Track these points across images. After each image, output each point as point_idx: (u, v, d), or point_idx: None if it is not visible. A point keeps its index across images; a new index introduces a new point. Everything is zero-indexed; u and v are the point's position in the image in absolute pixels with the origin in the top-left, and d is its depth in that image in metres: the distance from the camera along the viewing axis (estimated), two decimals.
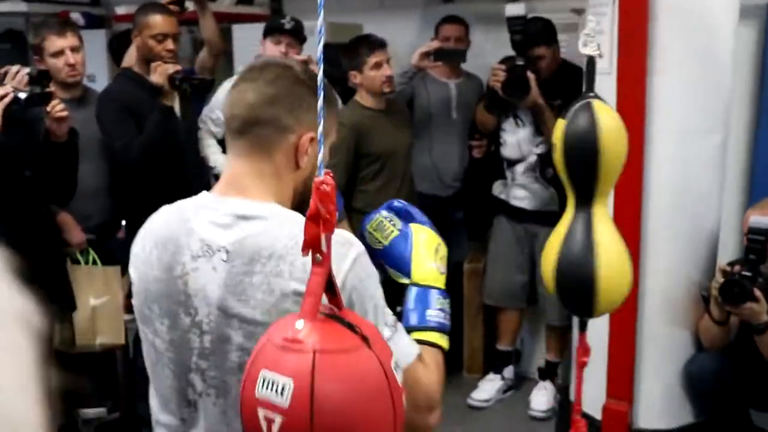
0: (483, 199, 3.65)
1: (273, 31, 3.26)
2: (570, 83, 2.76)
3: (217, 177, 3.33)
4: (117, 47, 3.72)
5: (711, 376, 2.84)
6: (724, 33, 2.79)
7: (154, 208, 3.01)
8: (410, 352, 1.26)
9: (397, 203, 1.48)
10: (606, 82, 2.78)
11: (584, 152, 1.87)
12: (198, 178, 3.25)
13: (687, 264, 2.83)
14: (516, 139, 3.44)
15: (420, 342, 1.31)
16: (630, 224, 2.75)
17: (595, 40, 1.93)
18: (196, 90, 3.13)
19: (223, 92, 3.30)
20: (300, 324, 1.02)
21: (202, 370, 1.27)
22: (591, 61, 1.98)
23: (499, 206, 3.57)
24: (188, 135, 3.16)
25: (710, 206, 2.87)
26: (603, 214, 1.94)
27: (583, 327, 2.12)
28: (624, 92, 2.70)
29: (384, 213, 1.46)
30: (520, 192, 3.45)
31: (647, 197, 2.78)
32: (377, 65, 3.19)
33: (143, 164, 2.94)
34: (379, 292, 1.25)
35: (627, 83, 2.71)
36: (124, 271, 3.28)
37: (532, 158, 3.40)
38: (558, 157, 1.93)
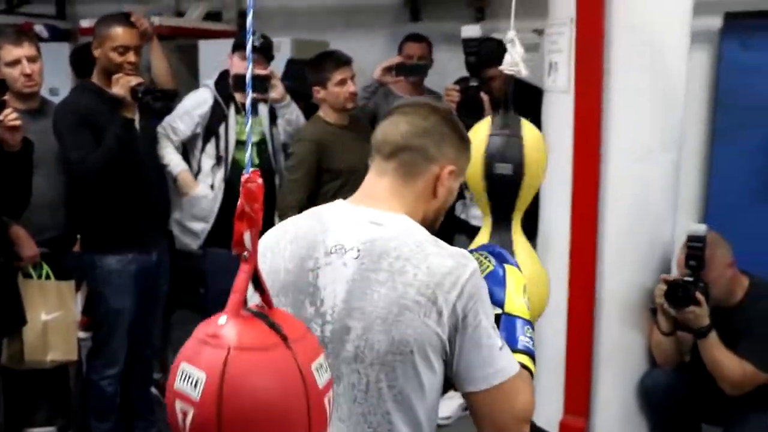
0: (445, 218, 3.66)
1: (242, 47, 3.26)
2: (523, 101, 2.80)
3: (174, 179, 3.31)
4: (77, 60, 3.69)
5: (664, 391, 2.88)
6: (677, 55, 2.86)
7: (111, 222, 3.00)
8: (514, 364, 1.37)
9: (492, 247, 1.63)
10: (564, 101, 2.84)
11: (508, 167, 1.90)
12: (159, 193, 3.23)
13: (642, 282, 2.87)
14: None
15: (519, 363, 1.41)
16: (586, 242, 2.79)
17: (518, 59, 1.94)
18: (159, 102, 3.12)
19: (189, 102, 3.30)
20: (222, 320, 1.04)
21: None
22: (511, 77, 2.05)
23: (459, 226, 3.59)
24: (148, 149, 3.14)
25: (665, 224, 2.92)
26: (518, 231, 1.95)
27: None
28: (581, 111, 2.75)
29: (481, 252, 1.59)
30: (478, 211, 3.47)
31: (603, 215, 2.81)
32: (341, 82, 3.19)
33: (101, 177, 2.91)
34: (490, 304, 1.38)
35: (584, 102, 2.75)
36: (79, 285, 3.25)
37: None
38: (477, 171, 1.92)
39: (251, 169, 1.00)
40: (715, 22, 3.67)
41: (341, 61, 3.22)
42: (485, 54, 3.33)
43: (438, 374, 1.35)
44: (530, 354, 1.46)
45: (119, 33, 2.94)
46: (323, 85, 3.21)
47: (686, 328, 2.74)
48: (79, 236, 3.14)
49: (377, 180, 1.46)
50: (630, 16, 2.73)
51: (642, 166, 2.82)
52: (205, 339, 1.02)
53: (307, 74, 3.30)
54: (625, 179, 2.81)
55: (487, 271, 1.53)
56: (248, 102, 1.04)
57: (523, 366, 1.41)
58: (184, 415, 1.00)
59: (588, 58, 2.73)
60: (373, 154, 1.49)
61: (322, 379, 1.04)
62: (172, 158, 3.26)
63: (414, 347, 1.31)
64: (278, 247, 1.43)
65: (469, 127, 3.35)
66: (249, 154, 1.04)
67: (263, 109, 3.35)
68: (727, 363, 2.65)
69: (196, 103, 3.27)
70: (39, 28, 4.57)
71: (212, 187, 3.27)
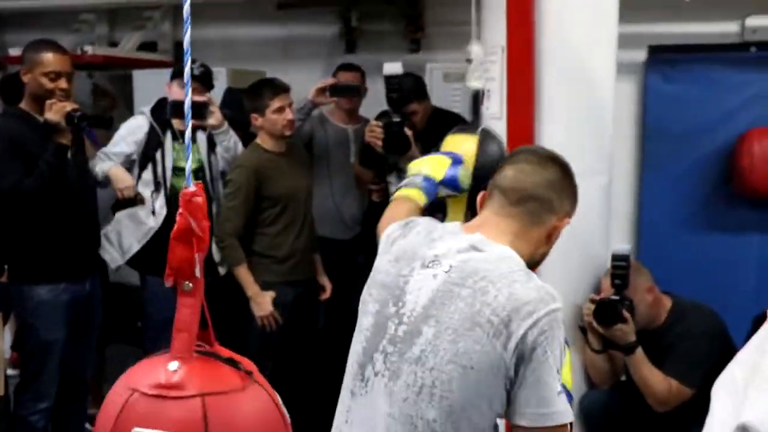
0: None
1: (181, 74, 3.23)
2: (443, 129, 2.83)
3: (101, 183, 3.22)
4: (7, 87, 3.61)
5: (603, 411, 2.92)
6: (604, 82, 2.94)
7: (42, 251, 2.91)
8: (570, 415, 1.39)
9: None
10: (497, 127, 2.89)
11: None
12: (92, 222, 3.15)
13: (577, 302, 2.91)
14: None
15: None
16: None
17: (481, 72, 1.96)
18: (95, 126, 3.08)
19: (124, 129, 3.24)
20: (173, 365, 0.88)
21: (387, 353, 1.44)
22: (476, 94, 2.03)
23: None
24: (81, 177, 3.07)
25: (597, 246, 2.98)
26: None
27: None
28: (514, 136, 2.80)
29: None
30: None
31: None
32: (279, 109, 3.19)
33: (33, 204, 2.83)
34: (562, 349, 1.42)
35: (516, 128, 2.81)
36: (6, 318, 3.12)
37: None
38: (467, 174, 1.95)
39: (193, 182, 0.89)
40: (641, 54, 3.81)
41: (279, 88, 3.23)
42: (407, 89, 3.38)
43: (496, 396, 1.36)
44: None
45: (50, 59, 2.89)
46: (261, 112, 3.20)
47: (614, 345, 2.79)
48: (6, 266, 3.03)
49: (499, 220, 1.53)
50: (559, 43, 2.81)
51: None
52: (159, 393, 0.85)
53: (245, 101, 3.30)
54: None
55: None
56: (187, 114, 1.02)
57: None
58: None
59: (519, 85, 2.80)
60: (496, 194, 1.56)
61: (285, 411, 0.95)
62: (102, 165, 3.17)
63: (475, 363, 1.35)
64: (389, 246, 1.59)
65: (382, 159, 3.44)
66: (189, 166, 0.97)
67: (201, 136, 3.32)
68: (654, 379, 2.71)
69: (131, 129, 3.23)
70: None
71: (153, 213, 3.22)
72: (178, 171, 3.22)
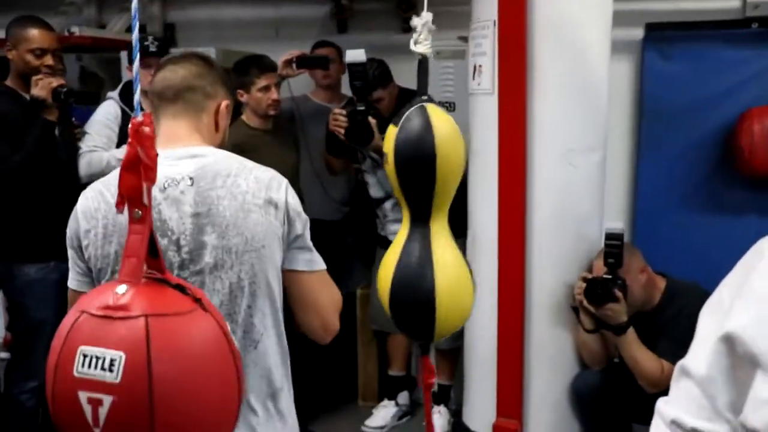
0: (372, 224, 3.63)
1: (140, 55, 3.16)
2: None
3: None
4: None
5: (595, 392, 2.88)
6: (599, 56, 2.90)
7: (31, 229, 2.87)
8: (323, 264, 1.63)
9: None
10: (488, 103, 2.85)
11: (419, 159, 1.74)
12: (65, 200, 3.09)
13: (570, 281, 2.87)
14: (376, 178, 3.45)
15: None
16: (514, 243, 2.78)
17: (427, 37, 1.85)
18: (81, 103, 3.02)
19: (101, 114, 3.17)
20: (122, 288, 0.92)
21: (184, 278, 1.40)
22: (423, 60, 1.85)
23: (379, 240, 3.57)
24: (68, 154, 3.02)
25: (591, 224, 2.94)
26: (441, 229, 1.81)
27: (424, 350, 1.97)
28: (505, 112, 2.76)
29: None
30: (395, 227, 3.44)
31: (530, 215, 2.82)
32: (265, 88, 3.16)
33: (20, 181, 2.80)
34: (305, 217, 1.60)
35: (508, 103, 2.77)
36: None
37: None
38: (390, 167, 1.78)
39: (141, 113, 0.92)
40: (638, 32, 3.75)
41: (266, 67, 3.19)
42: (373, 76, 3.33)
43: (280, 256, 1.57)
44: None
45: (36, 35, 2.86)
46: (247, 89, 3.17)
47: (606, 326, 2.76)
48: None
49: (171, 123, 1.63)
50: (552, 17, 2.77)
51: (567, 166, 2.84)
52: (105, 313, 0.89)
53: (232, 77, 3.25)
54: (550, 179, 2.82)
55: None
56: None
57: None
58: (96, 404, 0.86)
59: (511, 59, 2.75)
60: (156, 101, 1.64)
61: (235, 339, 1.00)
62: (103, 155, 3.07)
63: (264, 242, 1.51)
64: (96, 203, 1.55)
65: (357, 152, 3.38)
66: (137, 99, 0.97)
67: None
68: (646, 361, 2.68)
69: (110, 114, 3.15)
70: None
71: None
72: None
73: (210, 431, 0.94)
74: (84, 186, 3.06)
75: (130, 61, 3.26)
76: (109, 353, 0.87)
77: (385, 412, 3.64)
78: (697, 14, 3.66)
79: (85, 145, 3.09)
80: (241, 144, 3.11)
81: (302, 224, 1.59)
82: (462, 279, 1.80)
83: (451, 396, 3.62)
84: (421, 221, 1.80)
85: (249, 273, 1.50)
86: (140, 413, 0.85)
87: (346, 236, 3.79)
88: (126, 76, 3.66)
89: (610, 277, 2.68)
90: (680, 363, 0.83)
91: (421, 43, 1.81)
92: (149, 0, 4.47)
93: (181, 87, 1.64)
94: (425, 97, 1.80)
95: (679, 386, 0.84)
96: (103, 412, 0.86)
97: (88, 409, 0.87)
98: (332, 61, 3.61)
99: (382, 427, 3.60)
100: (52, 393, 0.92)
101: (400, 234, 1.83)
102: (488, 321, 2.82)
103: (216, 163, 1.57)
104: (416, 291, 1.74)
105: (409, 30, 4.12)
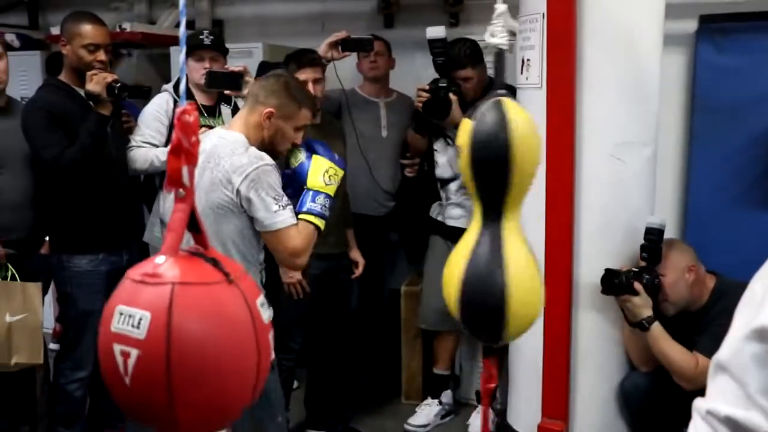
0: (418, 220, 3.62)
1: (194, 49, 3.20)
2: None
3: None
4: (54, 65, 3.66)
5: (644, 394, 2.83)
6: (650, 49, 2.84)
7: (81, 222, 2.94)
8: (288, 220, 2.22)
9: (312, 142, 2.45)
10: (536, 97, 2.81)
11: (494, 156, 1.70)
12: (130, 194, 3.15)
13: None
14: (447, 158, 3.42)
15: (303, 220, 2.28)
16: (561, 240, 2.73)
17: (504, 29, 1.82)
18: (134, 97, 3.08)
19: (152, 108, 3.19)
20: (160, 259, 1.03)
21: None
22: (499, 53, 1.83)
23: (434, 227, 3.54)
24: (120, 148, 3.08)
25: (641, 221, 2.86)
26: (514, 228, 1.77)
27: (488, 352, 1.96)
28: (554, 106, 2.71)
29: (301, 146, 2.42)
30: (455, 211, 3.42)
31: (578, 210, 2.77)
32: (302, 83, 3.15)
33: (75, 174, 2.86)
34: (277, 184, 2.23)
35: (556, 97, 2.72)
36: (46, 289, 3.16)
37: None
38: (464, 161, 1.75)
39: (186, 102, 0.98)
40: (691, 25, 3.66)
41: (305, 61, 3.16)
42: (460, 56, 3.30)
43: (240, 218, 2.23)
44: (314, 213, 2.30)
45: (89, 31, 2.91)
46: None
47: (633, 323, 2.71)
48: (47, 238, 3.07)
49: (240, 112, 2.41)
50: (602, 9, 2.71)
51: (616, 162, 2.79)
52: (142, 279, 1.01)
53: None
54: (599, 173, 2.77)
55: (298, 162, 2.39)
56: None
57: (309, 222, 2.29)
58: (126, 357, 0.98)
59: (560, 52, 2.70)
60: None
61: (265, 315, 1.07)
62: (153, 152, 3.11)
63: (221, 206, 2.21)
64: None
65: (435, 126, 3.37)
66: (183, 90, 0.99)
67: (225, 110, 3.28)
68: (678, 356, 2.62)
69: (161, 108, 3.18)
70: (10, 38, 4.53)
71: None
72: None
73: (224, 397, 1.02)
74: (134, 179, 3.13)
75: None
76: (138, 312, 0.98)
77: (428, 411, 3.62)
78: (752, 5, 3.54)
79: (134, 139, 3.14)
80: None
81: (257, 201, 2.19)
82: (533, 280, 1.75)
83: (496, 396, 3.59)
84: (492, 219, 1.76)
85: (210, 222, 2.13)
86: (159, 367, 0.97)
87: (390, 232, 3.78)
88: (176, 70, 3.69)
89: (636, 269, 2.65)
90: (714, 358, 0.82)
91: (497, 36, 1.78)
92: None
93: (250, 90, 2.42)
94: (503, 91, 1.77)
95: (714, 381, 0.84)
96: (130, 363, 0.98)
97: (120, 360, 0.99)
98: (379, 53, 3.60)
99: (425, 426, 3.59)
100: (99, 342, 1.04)
101: (470, 231, 1.79)
102: None
103: (222, 146, 2.23)
104: (487, 293, 1.71)
105: (456, 24, 4.12)
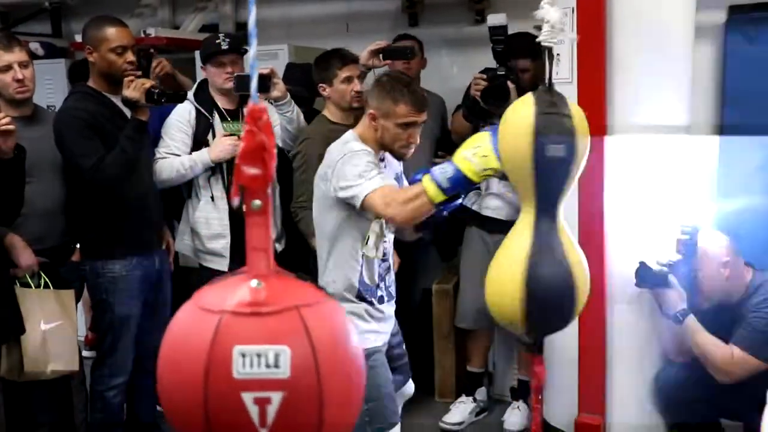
0: (451, 218, 3.59)
1: (213, 56, 3.19)
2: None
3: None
4: (77, 73, 3.67)
5: (680, 386, 2.81)
6: (682, 43, 2.82)
7: (114, 227, 2.94)
8: (366, 191, 2.24)
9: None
10: (566, 91, 2.76)
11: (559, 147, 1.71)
12: (156, 197, 3.15)
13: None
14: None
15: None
16: (594, 233, 2.72)
17: (555, 28, 1.81)
18: (172, 102, 3.08)
19: (175, 117, 3.18)
20: (255, 283, 0.89)
21: None
22: (549, 51, 1.85)
23: (470, 218, 3.51)
24: (147, 152, 3.08)
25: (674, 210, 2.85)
26: (563, 224, 1.80)
27: (540, 350, 1.96)
28: (584, 101, 2.68)
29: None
30: (493, 202, 3.39)
31: (611, 203, 2.76)
32: (348, 79, 3.14)
33: (117, 182, 2.87)
34: (359, 166, 2.30)
35: (587, 92, 2.71)
36: (79, 296, 3.17)
37: None
38: (523, 155, 1.73)
39: (257, 100, 0.90)
40: (720, 16, 3.61)
41: (348, 58, 3.17)
42: (520, 46, 3.28)
43: (336, 208, 2.39)
44: (436, 181, 2.00)
45: (114, 34, 2.90)
46: (329, 82, 3.16)
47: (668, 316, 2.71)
48: (78, 245, 3.08)
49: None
50: (631, 3, 2.70)
51: (648, 155, 2.77)
52: (252, 310, 0.86)
53: (314, 72, 3.26)
54: (632, 168, 2.75)
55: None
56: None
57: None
58: (264, 404, 0.83)
59: (590, 47, 2.69)
60: None
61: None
62: (180, 161, 3.13)
63: (325, 194, 2.40)
64: None
65: (494, 114, 3.35)
66: (255, 83, 0.96)
67: None
68: (713, 348, 2.62)
69: (183, 117, 3.17)
70: (35, 46, 4.55)
71: (212, 198, 3.18)
72: None
73: (357, 413, 0.95)
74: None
75: (203, 61, 3.30)
76: (272, 349, 0.84)
77: (462, 408, 3.61)
78: None
79: (158, 152, 3.14)
80: (327, 139, 3.11)
81: (339, 183, 2.32)
82: (587, 273, 1.79)
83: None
84: (549, 216, 1.75)
85: (316, 212, 2.53)
86: (311, 406, 0.85)
87: (423, 231, 3.76)
88: (200, 75, 3.71)
89: (671, 262, 2.68)
90: None
91: (546, 33, 1.83)
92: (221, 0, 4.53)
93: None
94: (544, 88, 1.82)
95: None
96: (272, 410, 0.84)
97: (254, 409, 0.84)
98: (415, 52, 3.60)
99: (460, 423, 3.57)
100: (204, 399, 0.85)
101: (522, 226, 1.77)
102: None
103: (334, 146, 2.47)
104: (560, 288, 1.72)
105: (481, 21, 4.09)
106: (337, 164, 2.33)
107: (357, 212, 2.35)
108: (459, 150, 1.97)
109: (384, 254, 2.51)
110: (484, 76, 3.18)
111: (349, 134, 2.47)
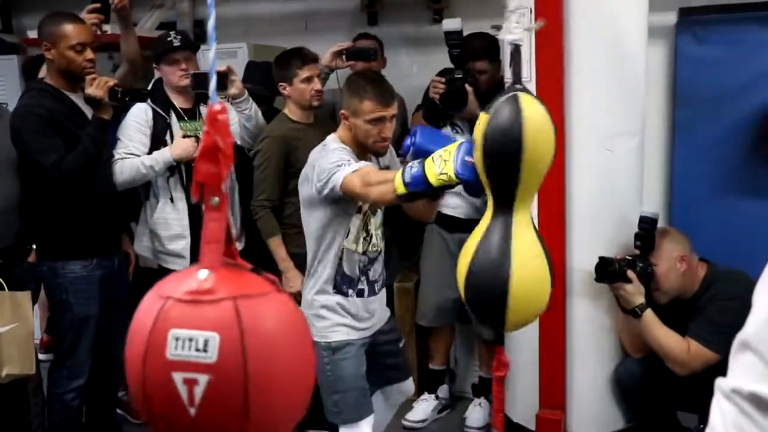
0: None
1: (166, 54, 3.16)
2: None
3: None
4: (31, 70, 3.59)
5: (639, 380, 2.86)
6: (636, 42, 2.88)
7: (74, 227, 2.90)
8: (340, 178, 2.26)
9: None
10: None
11: (506, 148, 1.69)
12: (116, 197, 3.11)
13: None
14: None
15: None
16: (553, 230, 2.76)
17: (520, 25, 1.83)
18: (135, 100, 3.05)
19: (133, 119, 3.14)
20: (204, 274, 0.95)
21: None
22: (516, 49, 1.83)
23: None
24: (107, 152, 3.05)
25: (631, 210, 2.91)
26: (524, 220, 1.78)
27: (499, 340, 2.00)
28: (543, 99, 2.72)
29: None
30: (453, 200, 3.42)
31: (569, 202, 2.81)
32: (308, 79, 3.16)
33: (79, 181, 2.83)
34: (333, 160, 2.35)
35: (545, 90, 2.74)
36: (35, 298, 3.10)
37: None
38: (478, 153, 1.75)
39: (217, 100, 0.94)
40: (671, 17, 3.71)
41: (308, 58, 3.19)
42: (476, 48, 3.32)
43: (319, 207, 2.45)
44: (403, 176, 1.98)
45: (73, 30, 2.85)
46: (289, 81, 3.17)
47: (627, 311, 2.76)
48: (34, 246, 3.02)
49: None
50: (588, 4, 2.75)
51: (605, 153, 2.82)
52: (194, 298, 0.93)
53: (274, 71, 3.27)
54: (589, 166, 2.81)
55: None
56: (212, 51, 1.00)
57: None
58: (192, 385, 0.90)
59: (548, 46, 2.74)
60: None
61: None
62: (140, 161, 3.08)
63: (310, 195, 2.45)
64: None
65: (444, 113, 3.38)
66: (214, 83, 0.97)
67: (205, 111, 3.25)
68: (670, 341, 2.67)
69: (140, 118, 3.13)
70: None
71: (172, 199, 3.15)
72: None
73: (294, 405, 0.99)
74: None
75: (156, 60, 3.26)
76: (203, 335, 0.90)
77: (425, 406, 3.63)
78: None
79: (117, 152, 3.09)
80: (287, 138, 3.14)
81: (319, 175, 2.37)
82: (540, 271, 1.76)
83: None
84: (503, 211, 1.76)
85: (303, 210, 2.57)
86: (235, 390, 0.90)
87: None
88: (156, 74, 3.68)
89: (630, 258, 2.71)
90: (738, 337, 0.82)
91: (513, 32, 1.80)
92: None
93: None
94: (519, 86, 1.77)
95: (737, 359, 0.83)
96: (199, 390, 0.90)
97: (183, 389, 0.90)
98: (377, 52, 3.62)
99: (423, 421, 3.59)
100: (142, 377, 0.93)
101: (482, 221, 1.80)
102: None
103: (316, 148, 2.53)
104: (492, 280, 1.72)
105: (440, 20, 4.13)
106: (316, 163, 2.39)
107: (340, 211, 2.42)
108: (437, 151, 1.97)
109: (364, 250, 2.55)
110: (443, 80, 3.21)
111: (329, 137, 2.52)
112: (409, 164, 2.00)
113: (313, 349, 1.02)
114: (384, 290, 2.72)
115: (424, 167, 1.93)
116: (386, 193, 2.06)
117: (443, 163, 1.89)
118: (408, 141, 2.10)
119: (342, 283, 2.52)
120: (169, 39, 3.15)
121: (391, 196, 2.05)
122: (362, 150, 2.49)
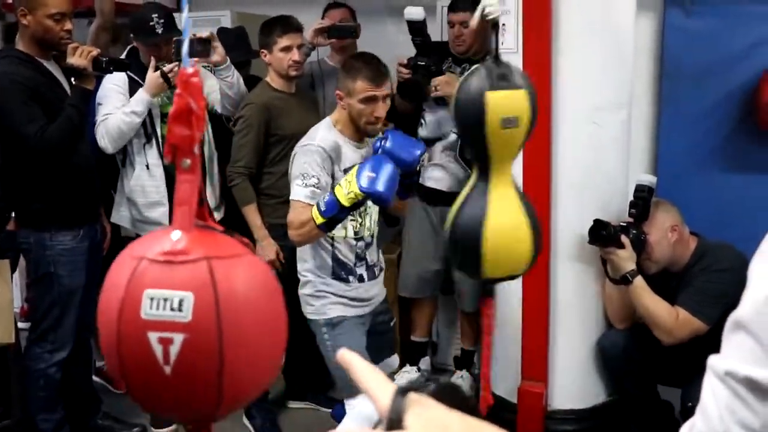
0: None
1: (148, 37, 3.08)
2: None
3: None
4: (13, 35, 3.50)
5: (620, 352, 2.87)
6: (624, 14, 2.86)
7: (62, 197, 2.85)
8: (298, 194, 2.41)
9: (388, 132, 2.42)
10: (512, 61, 2.77)
11: (471, 116, 1.84)
12: (94, 166, 3.06)
13: None
14: (436, 117, 3.40)
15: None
16: (539, 203, 2.74)
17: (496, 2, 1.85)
18: (119, 70, 2.99)
19: (111, 84, 3.07)
20: (176, 235, 0.96)
21: None
22: (495, 23, 1.92)
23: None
24: (87, 121, 2.99)
25: (618, 181, 2.92)
26: (503, 182, 1.90)
27: (488, 293, 2.11)
28: (530, 71, 2.69)
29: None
30: (436, 173, 3.40)
31: (556, 174, 2.80)
32: (286, 48, 3.13)
33: (62, 151, 2.79)
34: (310, 165, 2.43)
35: (532, 61, 2.72)
36: (14, 266, 3.06)
37: (452, 137, 3.34)
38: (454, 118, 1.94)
39: (188, 61, 0.93)
40: None
41: (289, 27, 3.15)
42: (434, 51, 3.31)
43: None
44: (319, 209, 2.29)
45: None
46: (269, 48, 3.14)
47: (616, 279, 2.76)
48: (13, 214, 2.96)
49: None
50: None
51: (593, 125, 2.81)
52: (167, 259, 0.93)
53: (258, 38, 3.23)
54: (576, 138, 2.80)
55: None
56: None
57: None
58: (167, 344, 0.91)
59: (535, 17, 2.71)
60: None
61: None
62: (119, 116, 3.02)
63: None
64: None
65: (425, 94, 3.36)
66: (186, 49, 0.94)
67: None
68: (659, 308, 2.68)
69: (119, 83, 3.07)
70: None
71: (148, 166, 3.11)
72: (166, 118, 3.09)
73: (267, 364, 1.00)
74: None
75: (133, 31, 3.19)
76: (177, 294, 0.91)
77: (407, 378, 3.63)
78: None
79: (100, 116, 3.05)
80: (269, 106, 3.10)
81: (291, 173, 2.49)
82: (514, 225, 1.90)
83: (475, 361, 3.62)
84: (484, 174, 1.90)
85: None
86: (210, 349, 0.91)
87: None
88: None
89: (624, 224, 2.70)
90: (732, 316, 0.80)
91: (491, 6, 1.88)
92: None
93: None
94: (491, 59, 1.87)
95: (730, 339, 0.81)
96: (174, 349, 0.91)
97: (158, 348, 0.91)
98: (344, 22, 3.57)
99: None
100: (117, 337, 0.94)
101: (469, 181, 1.95)
102: (513, 283, 2.79)
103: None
104: (467, 227, 1.88)
105: None
106: (297, 152, 2.50)
107: None
108: (339, 189, 2.26)
109: (357, 233, 2.59)
110: (405, 71, 3.23)
111: (325, 120, 2.58)
112: (321, 197, 2.31)
113: (285, 310, 1.02)
114: (383, 274, 2.76)
115: (334, 193, 2.24)
116: (310, 231, 2.34)
117: (348, 184, 2.21)
118: (378, 143, 2.30)
119: (341, 270, 2.57)
120: (151, 24, 3.06)
121: (314, 232, 2.34)
122: (356, 130, 2.56)
